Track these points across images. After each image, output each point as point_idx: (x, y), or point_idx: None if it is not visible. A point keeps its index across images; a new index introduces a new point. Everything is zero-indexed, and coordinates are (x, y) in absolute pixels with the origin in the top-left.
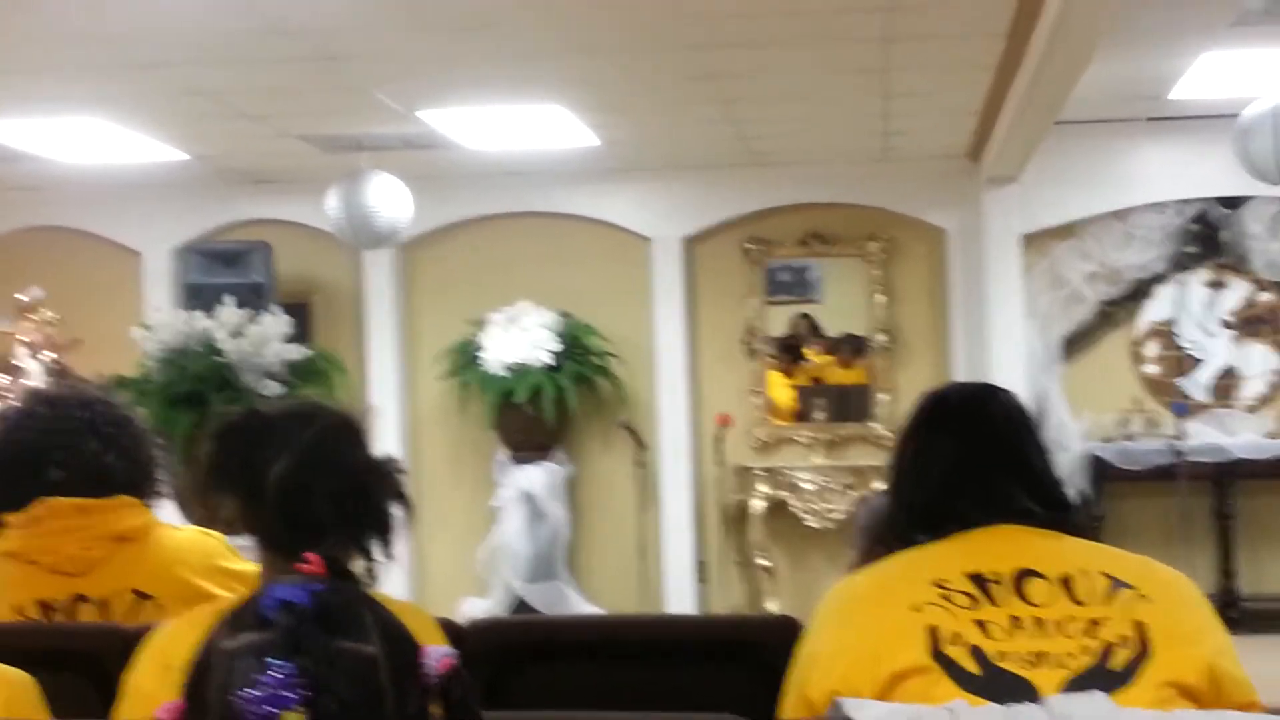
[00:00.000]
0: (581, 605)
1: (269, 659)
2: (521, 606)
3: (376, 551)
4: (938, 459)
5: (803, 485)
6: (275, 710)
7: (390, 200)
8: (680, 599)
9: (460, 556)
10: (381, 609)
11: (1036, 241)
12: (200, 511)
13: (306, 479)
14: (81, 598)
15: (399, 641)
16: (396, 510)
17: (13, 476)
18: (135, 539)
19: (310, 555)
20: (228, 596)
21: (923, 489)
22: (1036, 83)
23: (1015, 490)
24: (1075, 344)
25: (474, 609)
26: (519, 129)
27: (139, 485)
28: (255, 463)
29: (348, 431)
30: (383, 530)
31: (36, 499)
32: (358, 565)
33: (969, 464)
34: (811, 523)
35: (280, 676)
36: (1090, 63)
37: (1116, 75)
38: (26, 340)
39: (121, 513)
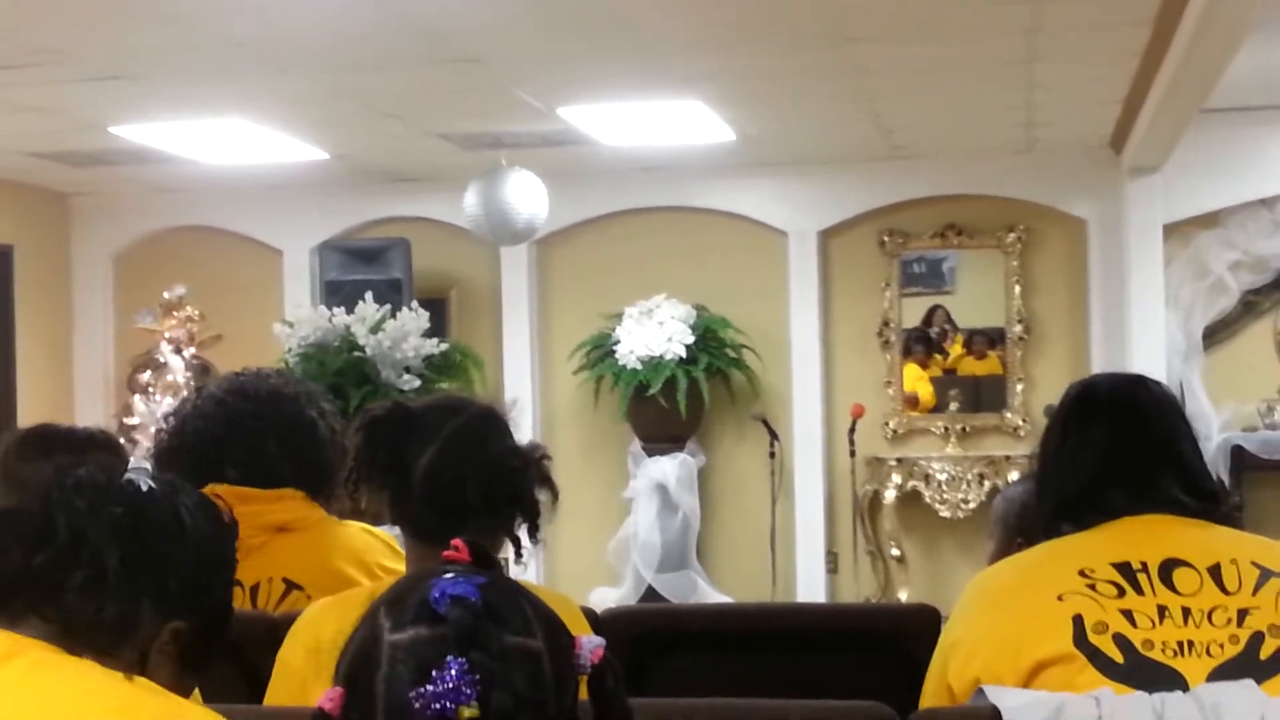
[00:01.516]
0: (712, 595)
1: (444, 655)
2: (652, 596)
3: (524, 537)
4: (1087, 449)
5: (936, 475)
6: (451, 706)
7: (528, 197)
8: (811, 589)
9: (592, 547)
10: (538, 601)
11: (1179, 231)
12: (345, 503)
13: (454, 467)
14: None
15: (558, 634)
16: (543, 496)
17: (192, 466)
18: (294, 530)
19: (457, 542)
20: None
21: (1071, 479)
22: (1183, 70)
23: (1166, 480)
24: (1217, 333)
25: (605, 599)
26: (656, 124)
27: (310, 485)
28: (403, 453)
29: (493, 421)
30: (530, 516)
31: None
32: (505, 551)
33: (1119, 454)
34: (944, 513)
35: (455, 673)
36: (1240, 49)
37: (1262, 61)
38: (170, 336)
39: (285, 504)
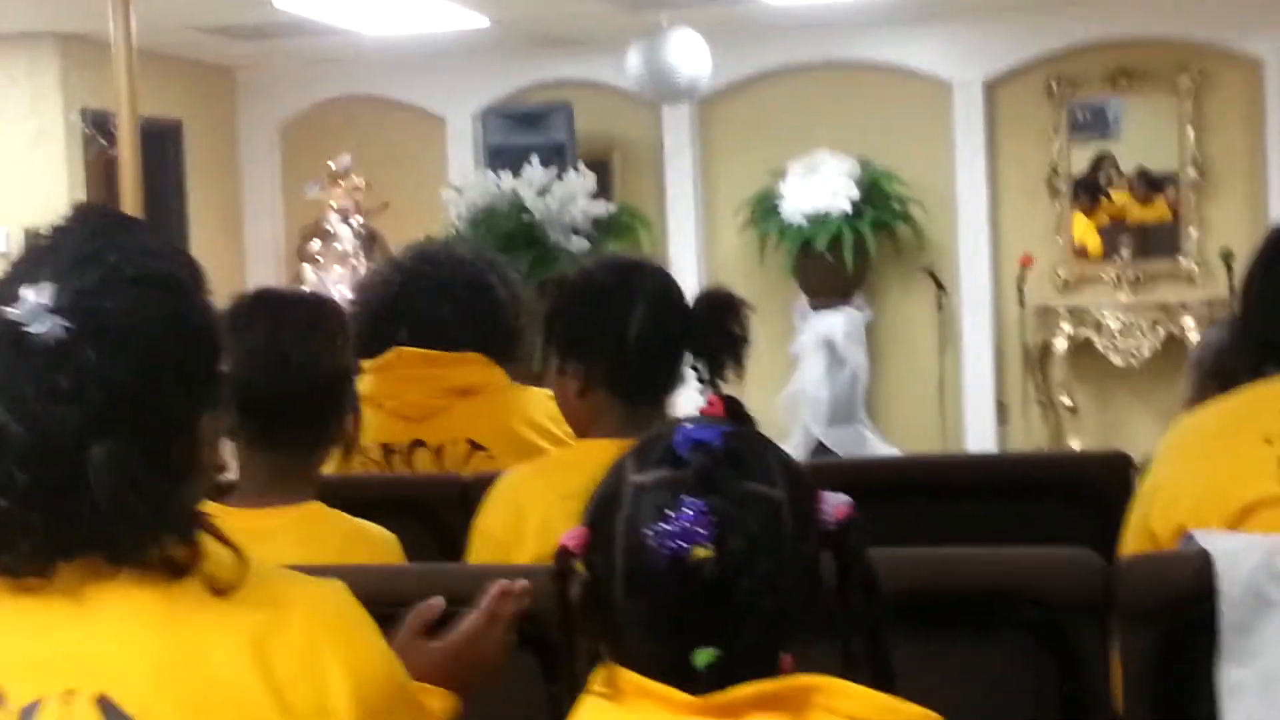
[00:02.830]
0: (881, 448)
1: (682, 495)
2: (821, 451)
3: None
4: None
5: (1108, 323)
6: (686, 545)
7: (690, 56)
8: (981, 440)
9: (762, 403)
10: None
11: None
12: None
13: (663, 326)
14: (419, 443)
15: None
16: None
17: (369, 332)
18: (478, 393)
19: (713, 398)
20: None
21: (1276, 319)
22: None
23: None
24: None
25: None
26: None
27: (489, 349)
28: (608, 322)
29: (671, 277)
30: (736, 354)
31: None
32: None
33: None
34: (1117, 361)
35: (691, 514)
36: None
37: None
38: (337, 206)
39: (468, 368)
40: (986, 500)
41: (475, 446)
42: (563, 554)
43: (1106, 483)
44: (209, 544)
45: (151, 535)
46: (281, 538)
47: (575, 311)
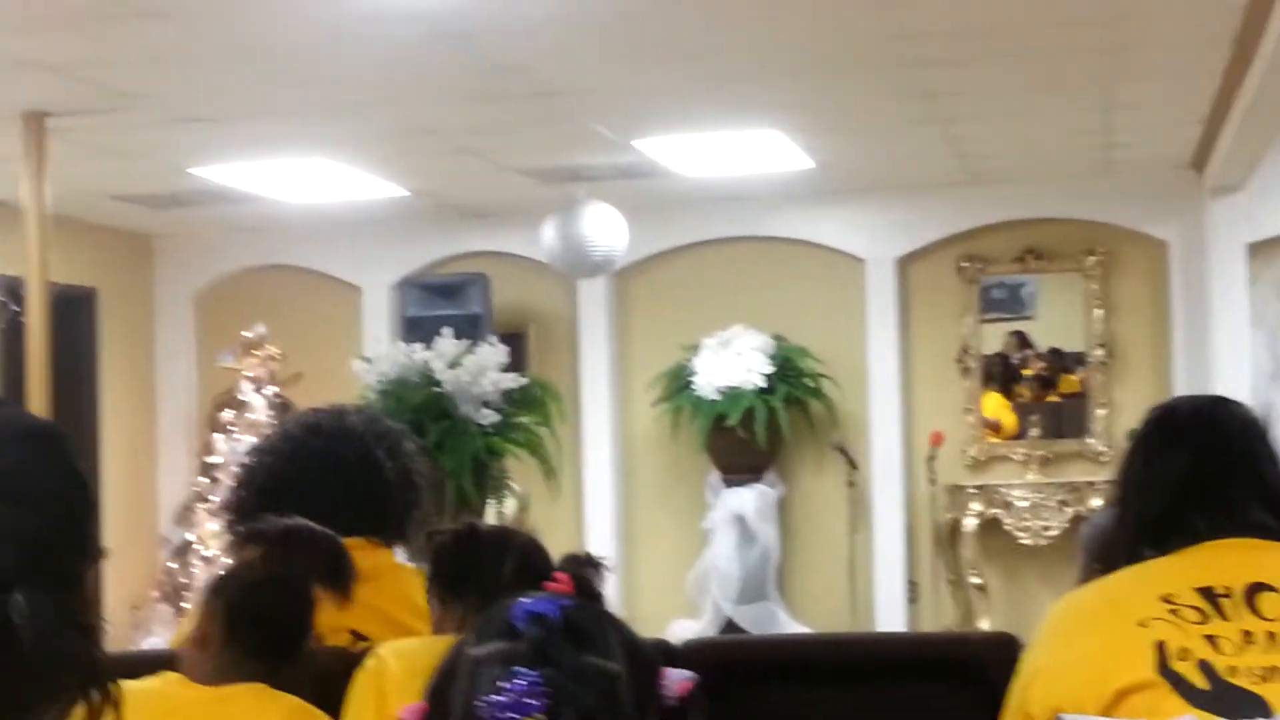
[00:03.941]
0: (791, 626)
1: (515, 667)
2: (731, 628)
3: None
4: (1168, 471)
5: (1017, 503)
6: (518, 716)
7: (606, 229)
8: (891, 619)
9: (671, 578)
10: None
11: (1263, 250)
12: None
13: (533, 577)
14: None
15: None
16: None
17: (251, 511)
18: (363, 580)
19: (560, 575)
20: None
21: (1152, 502)
22: (1265, 88)
23: (1248, 502)
24: None
25: (684, 631)
26: (733, 154)
27: (376, 530)
28: (483, 569)
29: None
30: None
31: None
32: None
33: (1201, 476)
34: (1025, 540)
35: (524, 684)
36: None
37: None
38: (251, 375)
39: (352, 554)
40: (879, 681)
41: (358, 637)
42: None
43: (994, 663)
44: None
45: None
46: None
47: (457, 554)
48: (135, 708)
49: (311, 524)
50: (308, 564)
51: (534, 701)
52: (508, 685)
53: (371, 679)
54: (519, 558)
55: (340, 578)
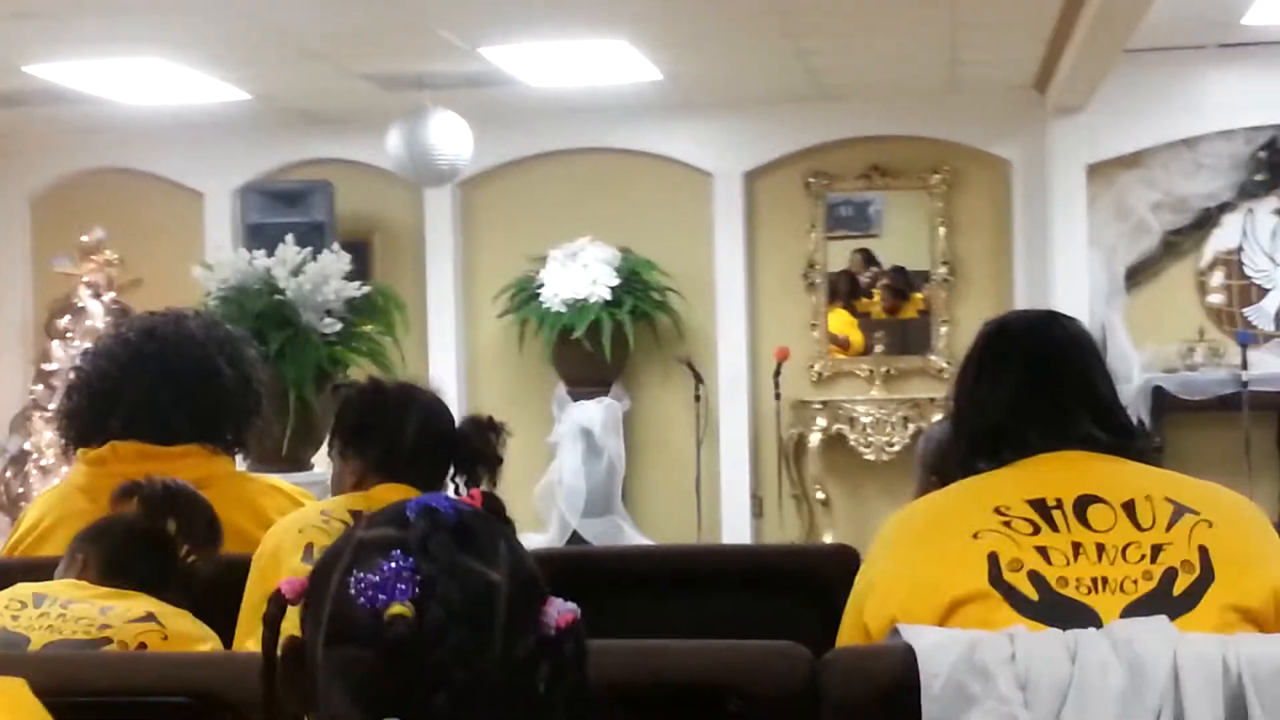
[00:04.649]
0: (637, 540)
1: (394, 550)
2: (577, 541)
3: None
4: (1001, 385)
5: (860, 418)
6: (385, 598)
7: (451, 138)
8: (736, 533)
9: (517, 492)
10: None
11: (1102, 171)
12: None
13: (434, 432)
14: None
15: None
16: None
17: (85, 417)
18: (199, 488)
19: (475, 491)
20: None
21: (985, 416)
22: (1106, 9)
23: (1080, 416)
24: (1139, 274)
25: (530, 544)
26: (581, 65)
27: (212, 437)
28: (388, 421)
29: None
30: (492, 473)
31: (105, 439)
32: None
33: (1033, 390)
34: (868, 455)
35: (395, 567)
36: None
37: (1188, 1)
38: (89, 281)
39: (187, 461)
40: (719, 593)
41: None
42: (276, 598)
43: (833, 576)
44: None
45: None
46: None
47: (362, 408)
48: None
49: (189, 485)
50: (183, 524)
51: (404, 586)
52: (384, 566)
53: (254, 565)
54: (422, 415)
55: (211, 543)
